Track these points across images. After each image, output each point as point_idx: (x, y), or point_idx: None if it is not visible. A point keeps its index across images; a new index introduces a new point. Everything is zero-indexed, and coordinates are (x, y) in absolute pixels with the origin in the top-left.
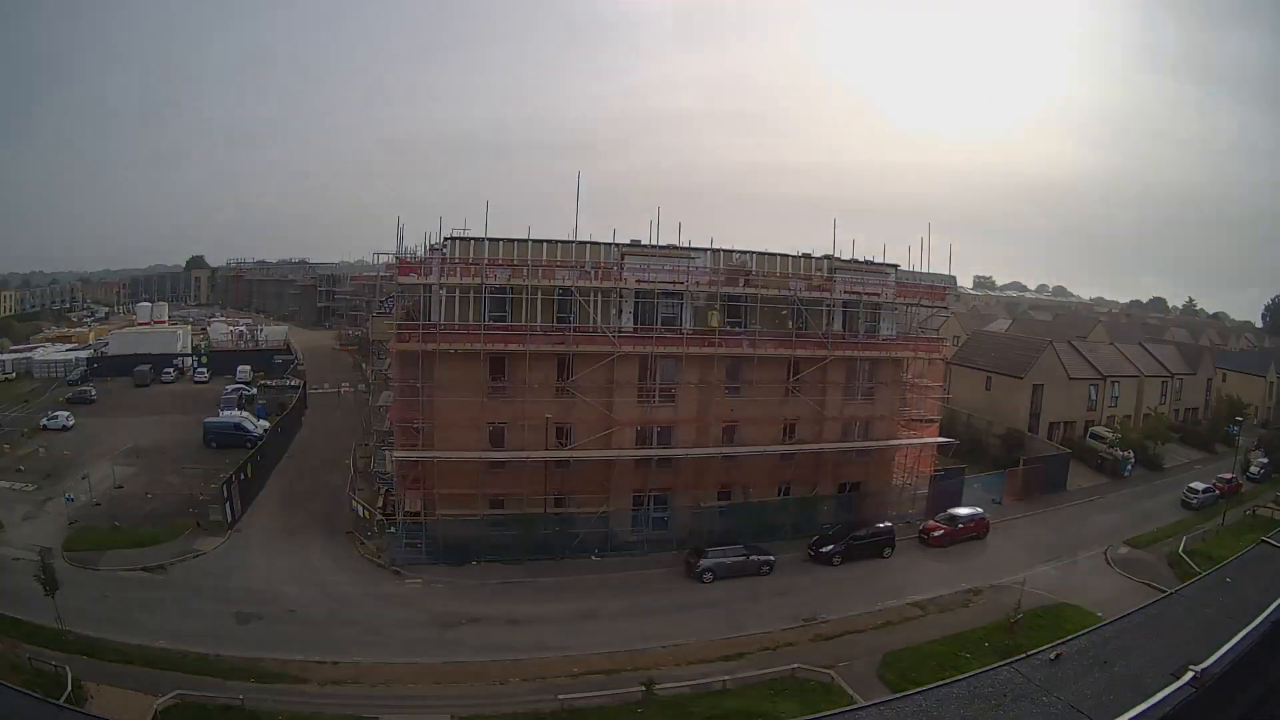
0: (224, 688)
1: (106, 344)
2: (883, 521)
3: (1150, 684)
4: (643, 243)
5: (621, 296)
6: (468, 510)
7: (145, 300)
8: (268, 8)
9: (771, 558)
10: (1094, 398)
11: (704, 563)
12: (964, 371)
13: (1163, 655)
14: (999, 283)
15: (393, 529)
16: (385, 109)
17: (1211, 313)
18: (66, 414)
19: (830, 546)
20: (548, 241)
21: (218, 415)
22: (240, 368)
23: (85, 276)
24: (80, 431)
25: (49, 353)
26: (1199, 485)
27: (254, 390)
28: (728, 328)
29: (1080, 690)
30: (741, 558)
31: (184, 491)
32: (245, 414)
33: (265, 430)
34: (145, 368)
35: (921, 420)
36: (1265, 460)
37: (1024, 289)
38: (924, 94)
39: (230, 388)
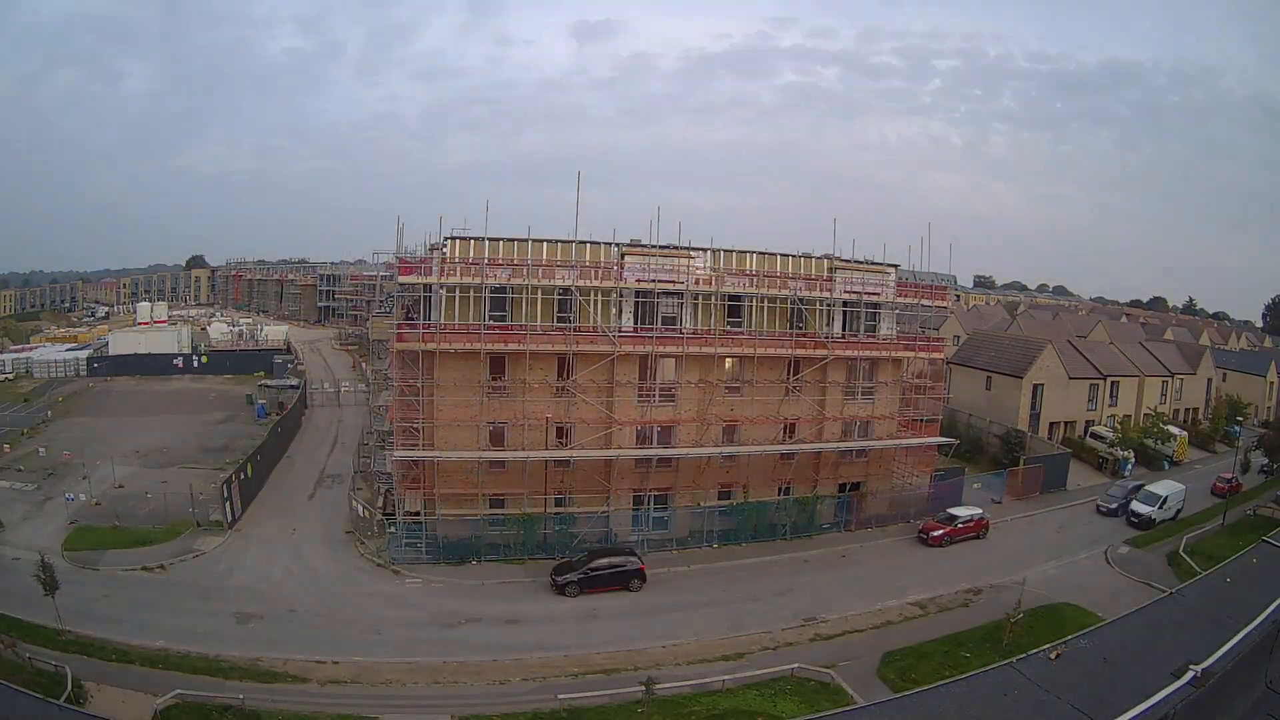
0: (224, 687)
1: (106, 344)
2: (629, 552)
3: (1151, 683)
4: (643, 242)
5: (621, 296)
6: (468, 510)
7: (145, 300)
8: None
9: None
10: (1094, 397)
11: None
12: (964, 371)
13: (1163, 655)
14: (999, 282)
15: (393, 529)
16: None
17: (1212, 312)
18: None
19: (568, 575)
20: (548, 241)
21: None
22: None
23: (85, 276)
24: (80, 431)
25: (49, 352)
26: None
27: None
28: (728, 327)
29: (1081, 690)
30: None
31: (184, 491)
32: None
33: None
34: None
35: (921, 420)
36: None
37: (1024, 288)
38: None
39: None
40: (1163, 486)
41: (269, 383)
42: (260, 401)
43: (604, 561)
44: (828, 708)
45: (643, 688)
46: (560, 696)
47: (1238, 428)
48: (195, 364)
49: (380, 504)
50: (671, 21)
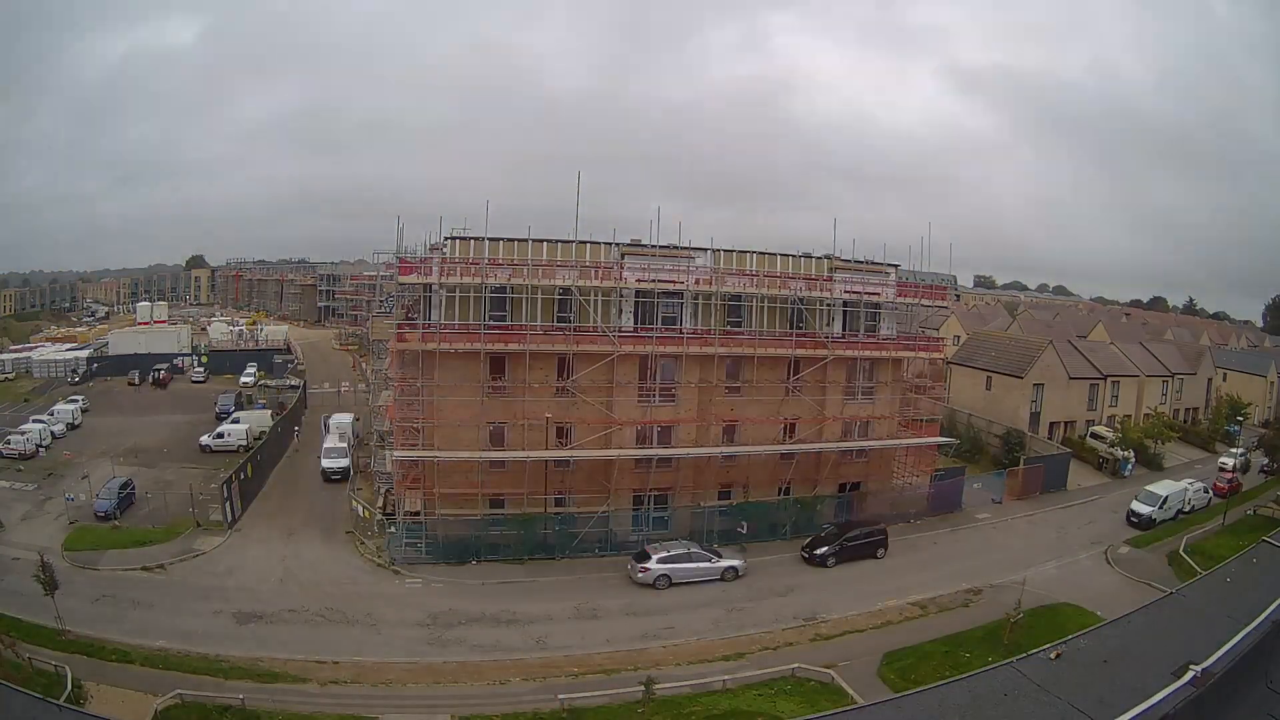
0: (224, 688)
1: (106, 344)
2: (876, 522)
3: (1151, 683)
4: (643, 242)
5: (621, 296)
6: (468, 510)
7: (145, 300)
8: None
9: (737, 564)
10: (1094, 397)
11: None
12: (964, 371)
13: (1164, 655)
14: (999, 282)
15: (393, 529)
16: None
17: (1212, 312)
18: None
19: (824, 548)
20: (548, 241)
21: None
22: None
23: (85, 276)
24: (80, 431)
25: (48, 352)
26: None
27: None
28: (728, 327)
29: (1081, 690)
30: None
31: (183, 491)
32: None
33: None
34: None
35: (921, 420)
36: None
37: (1024, 288)
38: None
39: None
40: (1162, 486)
41: (269, 382)
42: (260, 401)
43: (856, 532)
44: (828, 708)
45: (642, 688)
46: (560, 697)
47: (1237, 427)
48: (195, 364)
49: (380, 504)
50: None
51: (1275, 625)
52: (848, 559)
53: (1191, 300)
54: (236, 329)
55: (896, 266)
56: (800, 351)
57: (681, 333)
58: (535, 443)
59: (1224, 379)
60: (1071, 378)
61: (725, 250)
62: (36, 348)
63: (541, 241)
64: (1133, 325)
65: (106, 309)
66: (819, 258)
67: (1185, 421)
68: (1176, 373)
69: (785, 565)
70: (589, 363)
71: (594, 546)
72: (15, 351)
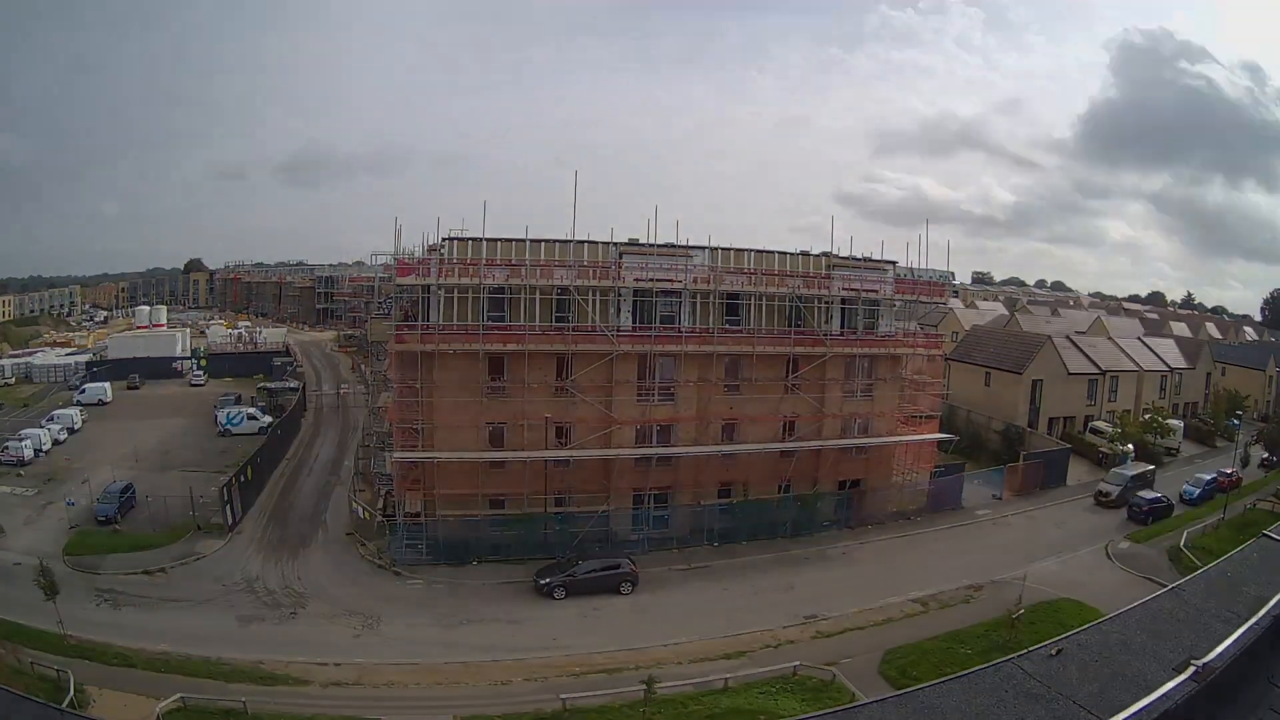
0: (226, 691)
1: (106, 348)
2: (624, 556)
3: (1152, 679)
4: (641, 241)
5: (620, 295)
6: (468, 510)
7: (144, 304)
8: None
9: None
10: (1093, 393)
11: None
12: (963, 367)
13: (1164, 650)
14: (997, 278)
15: (393, 530)
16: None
17: (1210, 307)
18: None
19: (549, 579)
20: (545, 241)
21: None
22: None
23: (83, 280)
24: (81, 435)
25: (48, 357)
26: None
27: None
28: (726, 325)
29: (1082, 686)
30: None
31: (184, 494)
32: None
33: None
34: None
35: (921, 416)
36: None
37: (1022, 284)
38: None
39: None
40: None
41: (269, 385)
42: (260, 403)
43: (593, 564)
44: (829, 705)
45: (644, 687)
46: (563, 696)
47: (1237, 422)
48: (195, 367)
49: (380, 505)
50: None
51: (1276, 620)
52: (582, 593)
53: (1190, 295)
54: (236, 331)
55: (894, 263)
56: (799, 349)
57: (680, 331)
58: (535, 443)
59: (1223, 373)
60: (1070, 373)
61: (723, 248)
62: (36, 352)
63: (539, 241)
64: (1132, 320)
65: (105, 313)
66: (817, 255)
67: (1185, 416)
68: (1176, 368)
69: (785, 563)
70: (588, 362)
71: (595, 546)
72: (15, 356)
